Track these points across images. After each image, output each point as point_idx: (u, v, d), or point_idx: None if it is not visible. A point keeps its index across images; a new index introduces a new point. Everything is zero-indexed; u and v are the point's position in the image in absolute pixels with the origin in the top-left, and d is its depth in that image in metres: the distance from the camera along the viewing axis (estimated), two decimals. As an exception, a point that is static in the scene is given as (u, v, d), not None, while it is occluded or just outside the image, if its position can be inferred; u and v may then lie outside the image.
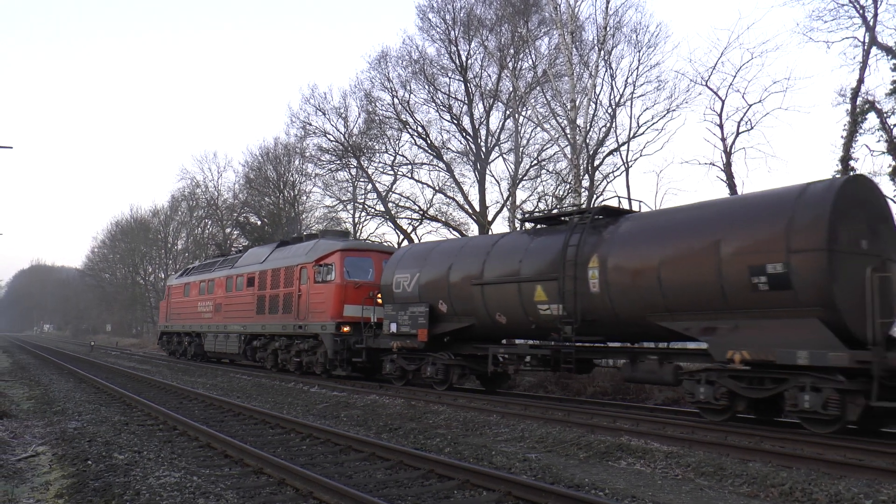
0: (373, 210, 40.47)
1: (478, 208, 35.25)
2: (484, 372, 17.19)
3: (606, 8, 28.06)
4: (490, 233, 31.04)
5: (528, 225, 16.98)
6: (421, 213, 37.97)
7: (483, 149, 35.82)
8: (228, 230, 58.21)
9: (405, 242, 36.62)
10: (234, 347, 27.20)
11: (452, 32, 35.30)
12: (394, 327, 18.47)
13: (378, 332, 19.63)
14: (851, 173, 11.67)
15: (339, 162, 39.86)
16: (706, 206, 13.27)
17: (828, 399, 10.40)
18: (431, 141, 37.11)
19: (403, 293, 18.32)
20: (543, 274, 14.75)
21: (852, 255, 10.73)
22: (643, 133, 31.33)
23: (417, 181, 38.63)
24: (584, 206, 19.02)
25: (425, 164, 38.12)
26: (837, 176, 22.41)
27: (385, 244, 32.62)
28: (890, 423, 11.21)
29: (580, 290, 13.94)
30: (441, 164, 36.94)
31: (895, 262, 11.75)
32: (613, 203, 15.48)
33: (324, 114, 40.17)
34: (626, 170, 31.33)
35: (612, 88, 31.18)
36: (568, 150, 27.40)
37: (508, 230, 31.61)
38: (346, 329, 20.68)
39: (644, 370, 13.36)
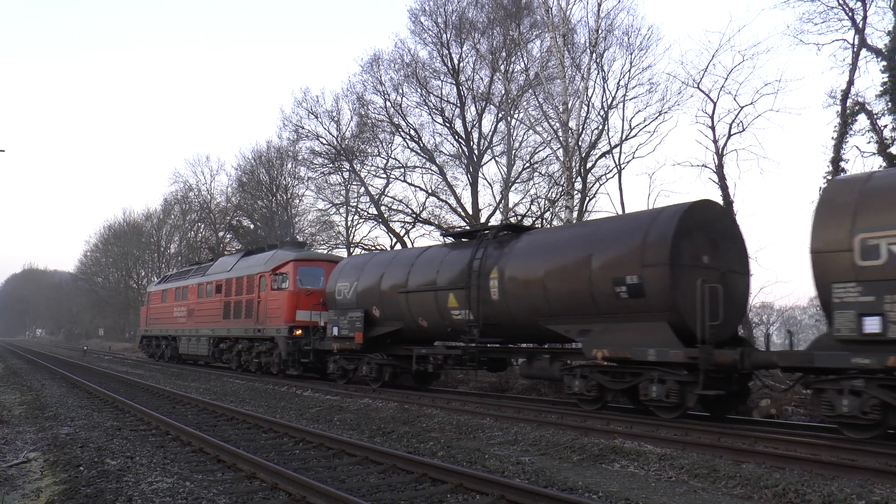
0: (366, 213, 40.52)
1: (470, 211, 35.28)
2: (412, 370, 18.89)
3: (598, 11, 28.13)
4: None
5: (447, 239, 18.64)
6: (414, 216, 38.00)
7: (475, 152, 35.86)
8: (221, 234, 58.09)
9: (398, 246, 36.63)
10: (204, 350, 29.26)
11: (444, 36, 35.38)
12: (335, 330, 20.48)
13: (324, 336, 21.59)
14: (698, 199, 13.49)
15: (331, 165, 39.89)
16: (582, 225, 16.46)
17: (670, 389, 12.40)
18: (424, 144, 37.18)
19: (344, 300, 20.45)
20: (455, 283, 16.79)
21: (693, 268, 12.56)
22: (635, 135, 31.43)
23: (410, 184, 38.69)
24: (501, 223, 21.02)
25: (418, 167, 38.19)
26: (824, 182, 22.50)
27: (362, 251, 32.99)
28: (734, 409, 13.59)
29: (483, 298, 15.99)
30: (434, 167, 36.99)
31: (740, 273, 13.63)
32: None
33: (316, 117, 40.21)
34: (619, 172, 31.41)
35: (604, 91, 31.30)
36: (560, 152, 27.44)
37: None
38: (297, 332, 22.66)
39: (538, 367, 15.42)
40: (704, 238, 12.95)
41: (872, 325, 9.89)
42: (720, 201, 22.67)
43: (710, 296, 12.01)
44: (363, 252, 36.14)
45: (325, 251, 43.29)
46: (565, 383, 14.44)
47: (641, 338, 12.82)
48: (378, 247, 39.27)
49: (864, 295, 10.03)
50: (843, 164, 22.49)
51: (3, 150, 28.52)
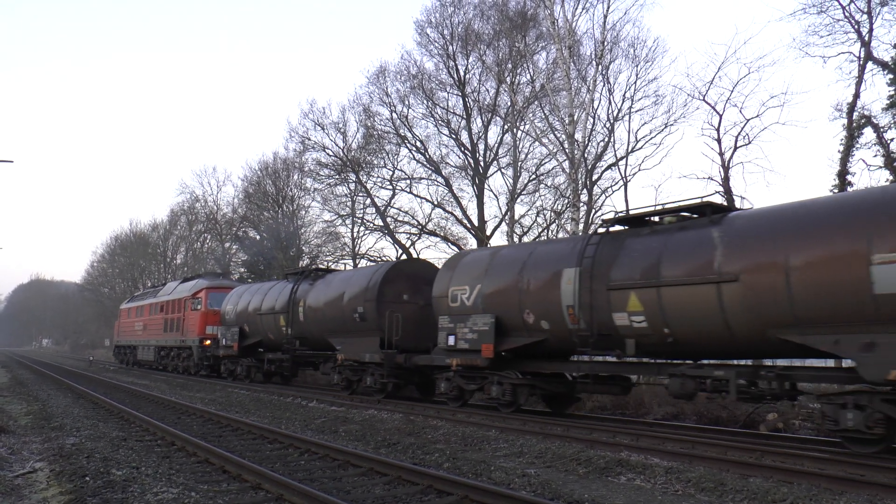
0: (371, 225, 40.52)
1: (476, 223, 35.28)
2: (266, 370, 26.15)
3: (604, 23, 28.25)
4: (489, 245, 31.25)
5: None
6: (419, 227, 38.01)
7: (481, 163, 35.89)
8: (227, 245, 58.15)
9: (403, 257, 36.65)
10: (151, 356, 37.64)
11: (450, 47, 35.47)
12: (224, 341, 27.78)
13: (218, 345, 28.55)
14: (407, 258, 22.89)
15: (337, 176, 39.91)
16: (344, 272, 23.62)
17: (376, 379, 19.51)
18: (430, 155, 37.21)
19: (229, 318, 27.96)
20: (283, 308, 24.03)
21: (394, 303, 19.30)
22: (641, 147, 31.29)
23: (416, 196, 38.70)
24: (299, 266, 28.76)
25: (424, 178, 38.19)
26: (833, 190, 22.46)
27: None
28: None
29: (296, 319, 23.25)
30: (439, 179, 37.00)
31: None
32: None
33: (322, 128, 40.27)
34: (625, 184, 31.32)
35: (609, 103, 31.22)
36: (566, 164, 27.46)
37: (507, 244, 32.04)
38: (207, 343, 30.02)
39: (327, 367, 22.49)
40: (406, 283, 19.71)
41: (451, 340, 16.64)
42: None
43: (395, 321, 18.82)
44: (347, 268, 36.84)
45: (331, 262, 43.42)
46: (331, 377, 21.71)
47: (365, 347, 19.69)
48: (384, 258, 39.31)
49: (449, 323, 16.76)
50: (849, 177, 22.40)
51: (12, 161, 28.69)
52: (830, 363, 12.74)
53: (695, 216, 13.10)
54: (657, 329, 12.62)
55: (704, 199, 13.05)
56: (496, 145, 36.40)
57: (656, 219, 13.67)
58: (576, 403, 17.22)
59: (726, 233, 11.93)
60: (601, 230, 14.52)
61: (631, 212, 14.36)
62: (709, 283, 11.74)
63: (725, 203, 19.94)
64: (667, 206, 13.43)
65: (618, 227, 14.37)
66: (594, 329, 13.53)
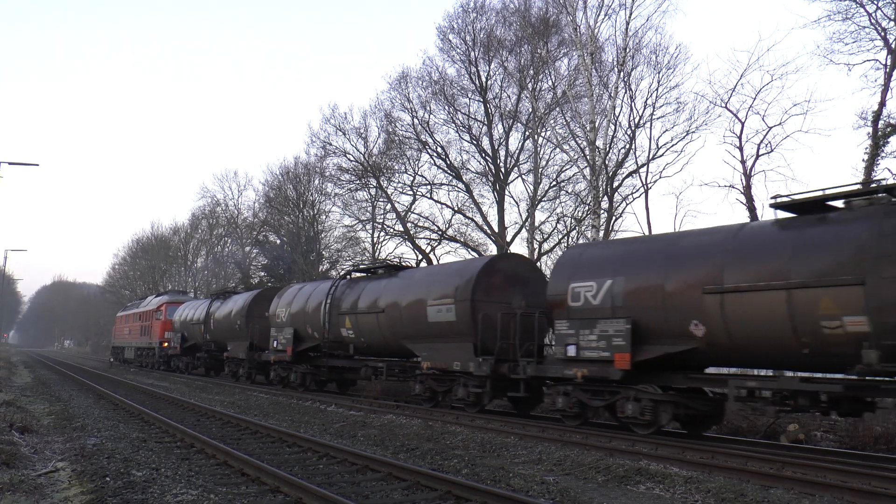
0: (392, 230, 40.61)
1: (496, 229, 35.26)
2: (198, 366, 35.87)
3: (626, 29, 28.16)
4: (507, 251, 31.25)
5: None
6: (440, 233, 38.04)
7: (502, 169, 35.88)
8: (248, 249, 58.44)
9: (423, 263, 36.69)
10: (132, 356, 47.74)
11: (472, 53, 35.57)
12: (172, 343, 38.00)
13: (170, 346, 38.48)
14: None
15: (358, 182, 40.08)
16: (237, 294, 31.33)
17: (245, 371, 28.86)
18: (451, 161, 37.27)
19: (176, 326, 38.04)
20: (204, 320, 33.28)
21: (259, 318, 27.19)
22: (662, 155, 31.10)
23: (436, 201, 38.77)
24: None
25: (444, 184, 38.27)
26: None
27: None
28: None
29: (209, 328, 32.52)
30: (460, 185, 37.06)
31: (262, 318, 27.68)
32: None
33: (344, 134, 40.49)
34: (646, 192, 31.15)
35: (631, 110, 31.07)
36: (587, 171, 27.39)
37: (527, 250, 31.97)
38: (165, 345, 39.44)
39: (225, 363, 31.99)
40: (267, 304, 26.40)
41: (275, 344, 24.79)
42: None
43: (255, 330, 27.29)
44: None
45: (350, 267, 43.61)
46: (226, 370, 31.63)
47: (241, 348, 28.33)
48: (403, 262, 39.35)
49: (275, 332, 24.87)
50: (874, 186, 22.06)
51: (37, 164, 29.24)
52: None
53: (401, 269, 21.42)
54: (359, 338, 20.99)
55: (398, 261, 24.98)
56: (517, 151, 36.43)
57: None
58: (352, 387, 24.94)
59: (388, 283, 20.16)
60: (345, 277, 23.41)
61: (361, 267, 25.37)
62: (374, 312, 20.06)
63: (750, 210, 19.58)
64: (379, 264, 23.80)
65: (357, 274, 23.39)
66: (331, 338, 21.90)
